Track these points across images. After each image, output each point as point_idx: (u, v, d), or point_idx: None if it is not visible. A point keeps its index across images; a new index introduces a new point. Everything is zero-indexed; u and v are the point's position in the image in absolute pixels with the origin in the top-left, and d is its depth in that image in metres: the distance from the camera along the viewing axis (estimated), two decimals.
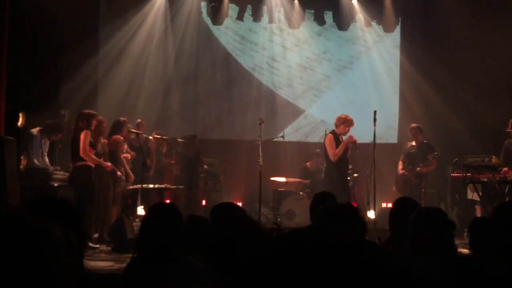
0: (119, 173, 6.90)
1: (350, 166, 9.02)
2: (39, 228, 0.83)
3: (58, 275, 0.82)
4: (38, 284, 0.79)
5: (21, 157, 6.74)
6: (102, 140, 6.88)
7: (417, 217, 2.53)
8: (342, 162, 7.33)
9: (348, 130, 7.37)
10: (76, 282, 0.87)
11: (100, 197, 6.62)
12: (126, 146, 7.51)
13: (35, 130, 6.92)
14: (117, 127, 7.18)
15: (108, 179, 6.80)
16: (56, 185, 6.79)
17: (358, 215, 2.84)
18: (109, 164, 6.72)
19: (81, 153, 6.34)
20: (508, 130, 7.08)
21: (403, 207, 3.08)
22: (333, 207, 2.91)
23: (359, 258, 0.72)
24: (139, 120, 8.15)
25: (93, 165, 6.48)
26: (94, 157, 6.48)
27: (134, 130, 7.26)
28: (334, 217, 2.70)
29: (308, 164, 9.46)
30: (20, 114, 7.05)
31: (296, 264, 0.71)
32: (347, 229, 2.50)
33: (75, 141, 6.42)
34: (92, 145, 6.54)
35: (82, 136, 6.33)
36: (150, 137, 8.02)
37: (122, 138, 7.17)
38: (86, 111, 6.71)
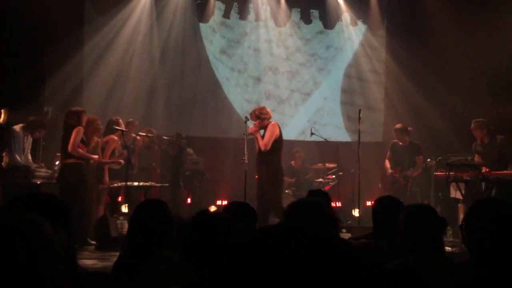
0: (121, 161, 6.91)
1: (334, 165, 9.10)
2: (27, 224, 0.83)
3: (47, 270, 0.81)
4: (28, 279, 0.79)
5: (3, 154, 6.65)
6: (96, 139, 6.85)
7: (408, 215, 2.52)
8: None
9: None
10: (68, 277, 0.87)
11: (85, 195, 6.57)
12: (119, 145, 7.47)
13: (17, 127, 6.82)
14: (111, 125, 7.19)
15: (93, 177, 6.75)
16: (38, 182, 6.71)
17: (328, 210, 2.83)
18: (95, 156, 6.65)
19: (70, 149, 6.28)
20: (471, 128, 7.22)
21: (387, 205, 3.10)
22: (303, 202, 2.88)
23: (329, 252, 0.72)
24: (131, 119, 8.08)
25: (83, 163, 6.43)
26: (81, 152, 6.40)
27: (120, 128, 7.20)
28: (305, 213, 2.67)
29: (292, 162, 9.48)
30: (2, 111, 6.95)
31: (271, 257, 0.71)
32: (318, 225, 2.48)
33: (66, 139, 6.36)
34: (84, 142, 6.50)
35: (74, 132, 6.30)
36: (138, 137, 7.97)
37: (115, 138, 7.15)
38: (74, 108, 6.65)
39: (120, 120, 7.35)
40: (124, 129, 7.25)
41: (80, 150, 6.40)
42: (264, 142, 6.33)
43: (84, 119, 6.52)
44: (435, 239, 2.44)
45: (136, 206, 2.61)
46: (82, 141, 6.46)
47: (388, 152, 8.32)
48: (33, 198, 1.94)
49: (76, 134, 6.32)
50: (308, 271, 0.71)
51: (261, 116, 6.46)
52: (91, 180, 6.65)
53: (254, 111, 6.57)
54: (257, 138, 6.43)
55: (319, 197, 3.51)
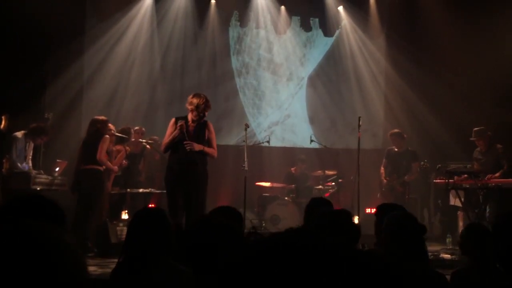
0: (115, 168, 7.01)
1: (334, 172, 9.10)
2: (45, 235, 0.83)
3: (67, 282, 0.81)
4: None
5: (3, 160, 6.67)
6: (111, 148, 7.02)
7: (388, 223, 2.56)
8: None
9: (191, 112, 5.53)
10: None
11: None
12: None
13: (19, 133, 6.84)
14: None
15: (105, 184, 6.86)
16: (38, 188, 6.72)
17: (352, 221, 2.89)
18: (116, 168, 6.87)
19: (98, 156, 6.42)
20: (473, 139, 7.26)
21: (386, 212, 3.11)
22: (327, 213, 2.94)
23: (335, 262, 0.73)
24: (137, 127, 8.11)
25: (102, 170, 6.56)
26: (107, 162, 6.60)
27: (119, 134, 7.22)
28: (329, 223, 2.74)
29: (292, 169, 9.49)
30: (3, 117, 6.95)
31: (273, 270, 0.72)
32: (341, 235, 2.55)
33: (91, 145, 6.49)
34: (108, 152, 6.68)
35: (102, 141, 6.49)
36: (148, 145, 7.99)
37: (128, 148, 7.34)
38: (100, 117, 6.81)
39: (132, 130, 7.54)
40: (123, 135, 7.28)
41: (106, 161, 6.58)
42: (214, 147, 5.67)
43: (108, 128, 6.70)
44: (416, 246, 2.46)
45: (134, 213, 2.61)
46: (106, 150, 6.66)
47: (384, 160, 8.33)
48: (30, 201, 1.94)
49: (104, 143, 6.51)
50: (311, 280, 0.71)
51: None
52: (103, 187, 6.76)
53: (207, 102, 5.55)
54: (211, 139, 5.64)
55: (323, 205, 3.53)
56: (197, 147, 5.45)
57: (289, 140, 10.45)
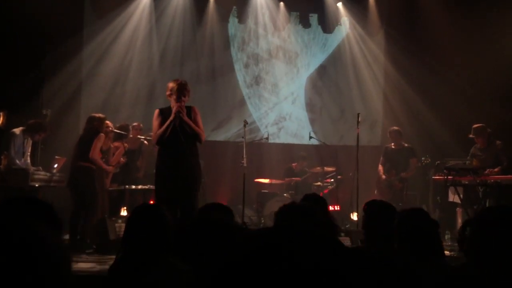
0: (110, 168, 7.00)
1: (333, 168, 9.10)
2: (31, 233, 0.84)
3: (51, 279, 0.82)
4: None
5: (1, 157, 6.65)
6: (109, 143, 6.99)
7: (401, 219, 2.54)
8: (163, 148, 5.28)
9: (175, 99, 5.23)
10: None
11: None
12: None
13: (17, 130, 6.83)
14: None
15: (101, 181, 6.83)
16: (37, 185, 6.71)
17: (328, 214, 2.88)
18: (110, 167, 6.87)
19: (91, 154, 6.40)
20: (471, 137, 7.26)
21: (378, 209, 3.11)
22: (295, 206, 2.89)
23: (322, 256, 0.72)
24: (135, 123, 8.10)
25: (95, 167, 6.54)
26: (100, 161, 6.56)
27: (117, 131, 7.21)
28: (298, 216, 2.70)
29: (293, 165, 9.48)
30: (1, 113, 6.93)
31: (259, 265, 0.71)
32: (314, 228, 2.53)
33: (86, 142, 6.47)
34: (101, 150, 6.65)
35: (96, 139, 6.46)
36: (145, 141, 7.97)
37: (126, 145, 7.34)
38: (97, 114, 6.78)
39: (130, 127, 7.55)
40: (122, 132, 7.27)
41: (99, 159, 6.54)
42: (202, 129, 5.39)
43: (104, 126, 6.68)
44: (431, 241, 2.44)
45: (132, 210, 2.59)
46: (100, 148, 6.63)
47: (381, 157, 8.37)
48: (27, 202, 1.93)
49: (98, 141, 6.47)
50: (300, 275, 0.71)
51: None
52: (98, 184, 6.73)
53: (186, 84, 5.37)
54: (188, 122, 5.26)
55: (315, 202, 3.50)
56: (186, 119, 5.22)
57: (292, 137, 10.43)
